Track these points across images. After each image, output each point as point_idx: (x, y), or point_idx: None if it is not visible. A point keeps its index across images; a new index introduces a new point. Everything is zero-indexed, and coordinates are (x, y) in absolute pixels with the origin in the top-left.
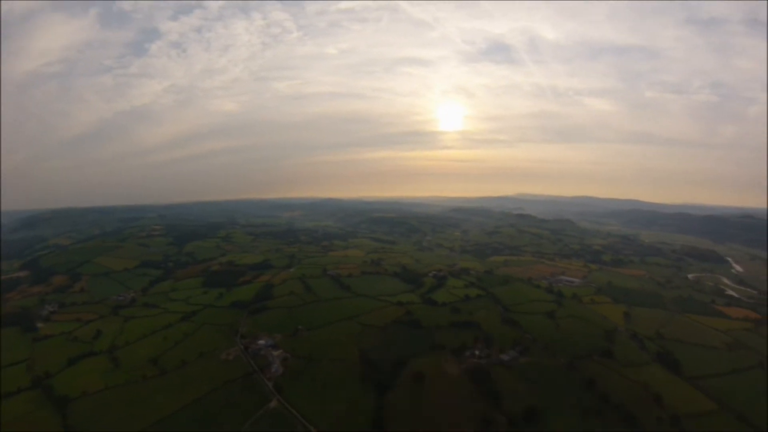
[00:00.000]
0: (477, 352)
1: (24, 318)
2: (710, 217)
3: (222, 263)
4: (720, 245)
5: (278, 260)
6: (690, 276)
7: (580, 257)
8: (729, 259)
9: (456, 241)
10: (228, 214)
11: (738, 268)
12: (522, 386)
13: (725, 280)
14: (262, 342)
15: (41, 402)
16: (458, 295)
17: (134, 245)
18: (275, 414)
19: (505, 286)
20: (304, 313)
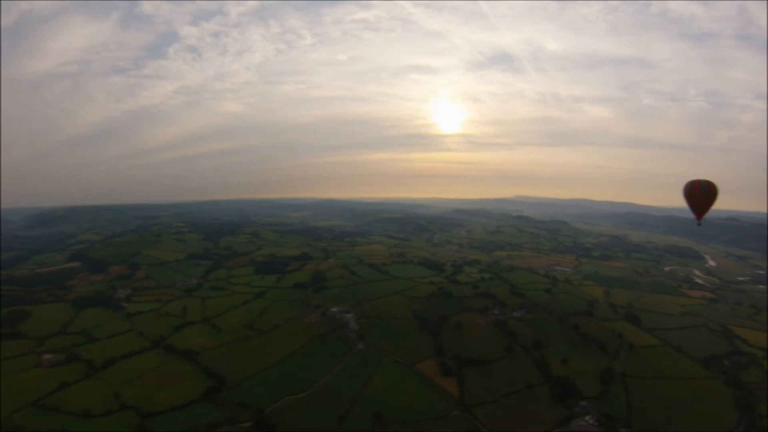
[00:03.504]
0: (496, 312)
1: (103, 299)
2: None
3: (264, 255)
4: (702, 245)
5: (314, 253)
6: (666, 268)
7: (573, 253)
8: (706, 256)
9: (462, 238)
10: (239, 213)
11: (711, 263)
12: (529, 330)
13: (696, 272)
14: (334, 309)
15: (169, 357)
16: (475, 278)
17: (171, 240)
18: (364, 352)
19: (511, 272)
20: (359, 290)
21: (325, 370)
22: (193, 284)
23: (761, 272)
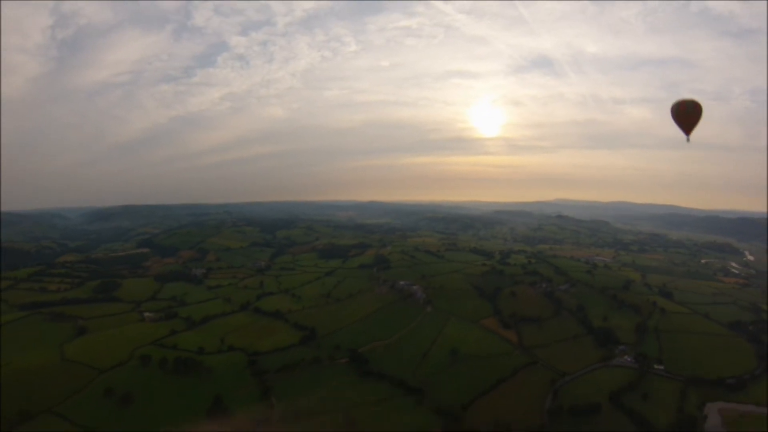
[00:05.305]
0: (544, 285)
1: (182, 276)
2: (740, 219)
3: (324, 244)
4: (743, 243)
5: (371, 242)
6: (703, 260)
7: (612, 247)
8: (745, 251)
9: (506, 234)
10: (286, 213)
11: (750, 257)
12: (573, 299)
13: (733, 264)
14: (402, 283)
15: (259, 316)
16: (522, 261)
17: (231, 232)
18: (432, 313)
19: (554, 259)
20: (421, 269)
21: (402, 325)
22: (262, 266)
23: None
